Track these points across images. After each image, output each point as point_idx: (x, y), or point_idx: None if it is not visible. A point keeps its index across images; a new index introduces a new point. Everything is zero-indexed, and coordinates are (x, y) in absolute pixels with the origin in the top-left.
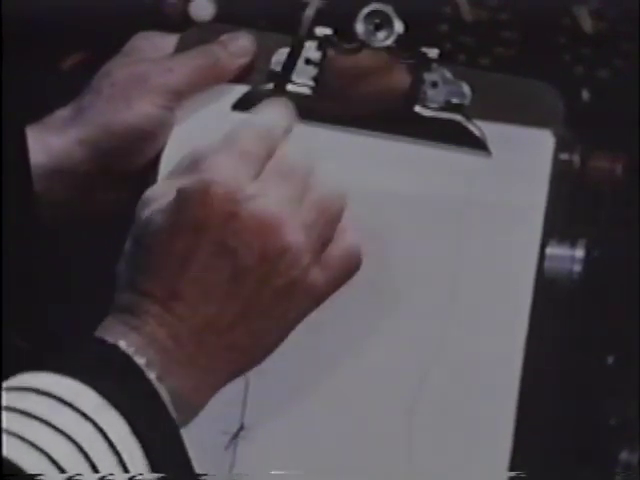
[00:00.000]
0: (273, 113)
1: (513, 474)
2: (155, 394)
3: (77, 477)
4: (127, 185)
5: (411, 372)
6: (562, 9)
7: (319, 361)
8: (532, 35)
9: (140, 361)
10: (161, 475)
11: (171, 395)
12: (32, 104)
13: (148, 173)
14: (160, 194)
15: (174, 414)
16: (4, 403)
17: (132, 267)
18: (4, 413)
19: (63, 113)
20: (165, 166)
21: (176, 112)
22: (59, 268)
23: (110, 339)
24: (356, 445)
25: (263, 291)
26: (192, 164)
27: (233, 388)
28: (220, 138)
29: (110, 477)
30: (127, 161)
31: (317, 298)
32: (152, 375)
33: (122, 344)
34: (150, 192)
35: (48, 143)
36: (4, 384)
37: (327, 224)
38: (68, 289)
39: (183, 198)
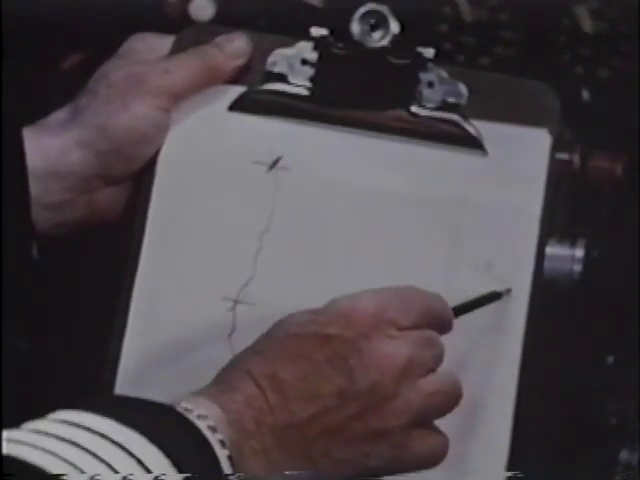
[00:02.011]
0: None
1: (512, 474)
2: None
3: (97, 477)
4: (124, 187)
5: None
6: (562, 9)
7: None
8: (532, 35)
9: (214, 438)
10: (186, 475)
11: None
12: (32, 105)
13: (145, 175)
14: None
15: None
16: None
17: (249, 348)
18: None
19: (59, 115)
20: (162, 168)
21: (173, 113)
22: (56, 271)
23: (192, 413)
24: None
25: (356, 423)
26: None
27: None
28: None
29: (131, 477)
30: (124, 163)
31: (398, 462)
32: (224, 452)
33: (200, 423)
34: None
35: (44, 145)
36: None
37: (438, 406)
38: (66, 291)
39: (330, 304)
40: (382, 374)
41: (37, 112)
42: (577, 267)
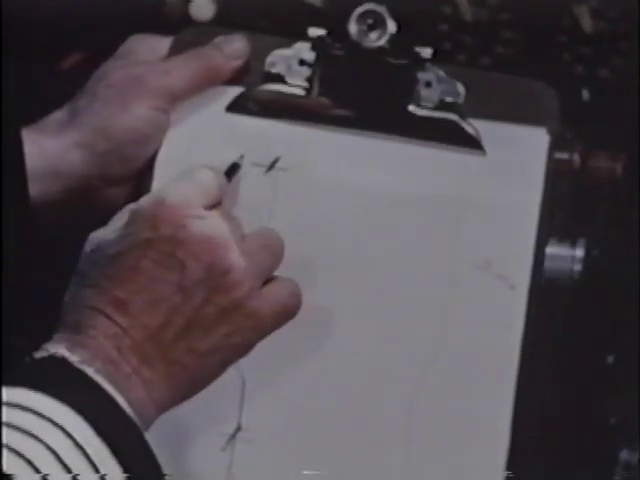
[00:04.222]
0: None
1: (512, 474)
2: (110, 399)
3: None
4: (123, 187)
5: (410, 371)
6: (562, 9)
7: (317, 360)
8: (532, 35)
9: (89, 370)
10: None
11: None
12: (31, 105)
13: (144, 175)
14: (115, 217)
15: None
16: None
17: (80, 285)
18: None
19: (59, 116)
20: (160, 168)
21: (171, 114)
22: (55, 271)
23: (58, 353)
24: (355, 444)
25: (206, 308)
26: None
27: (230, 388)
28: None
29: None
30: (123, 163)
31: (259, 327)
32: (105, 383)
33: (70, 357)
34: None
35: (44, 146)
36: None
37: (268, 260)
38: (65, 290)
39: (135, 213)
40: (210, 253)
41: (37, 112)
42: (577, 267)
